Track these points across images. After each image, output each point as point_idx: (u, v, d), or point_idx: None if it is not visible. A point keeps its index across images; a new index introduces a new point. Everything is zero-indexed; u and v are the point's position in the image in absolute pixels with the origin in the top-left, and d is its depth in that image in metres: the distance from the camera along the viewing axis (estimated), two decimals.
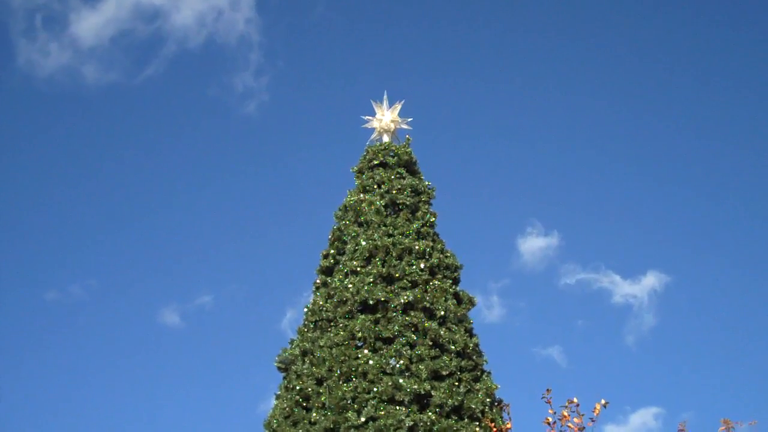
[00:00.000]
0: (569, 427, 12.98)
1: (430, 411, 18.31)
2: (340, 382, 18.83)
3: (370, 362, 18.87)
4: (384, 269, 20.37)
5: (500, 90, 67.06)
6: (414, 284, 20.24)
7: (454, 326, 19.94)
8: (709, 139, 64.10)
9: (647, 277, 59.96)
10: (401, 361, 18.89)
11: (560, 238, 62.00)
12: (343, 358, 19.14)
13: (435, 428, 17.99)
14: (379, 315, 19.79)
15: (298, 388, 19.35)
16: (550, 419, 13.14)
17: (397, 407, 18.22)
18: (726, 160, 63.46)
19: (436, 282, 20.54)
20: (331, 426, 18.28)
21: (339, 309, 20.19)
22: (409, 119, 24.31)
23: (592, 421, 12.87)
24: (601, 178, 64.74)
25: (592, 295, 61.73)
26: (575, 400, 13.04)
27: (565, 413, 12.97)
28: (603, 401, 12.97)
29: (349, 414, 18.24)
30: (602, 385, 56.81)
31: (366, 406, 18.26)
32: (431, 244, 21.26)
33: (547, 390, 13.25)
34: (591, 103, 66.13)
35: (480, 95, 67.00)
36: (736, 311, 60.14)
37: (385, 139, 23.84)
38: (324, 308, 20.50)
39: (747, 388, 55.56)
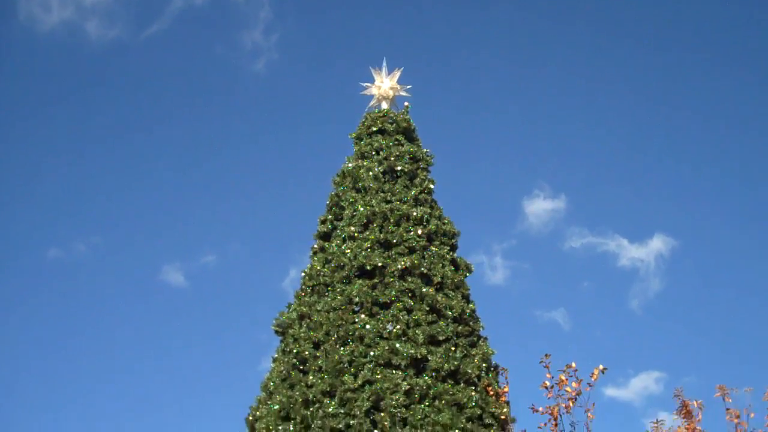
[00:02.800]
0: (567, 391, 13.16)
1: (426, 375, 18.50)
2: (337, 346, 18.99)
3: (367, 327, 19.02)
4: (381, 235, 20.50)
5: (504, 53, 66.84)
6: (411, 250, 20.37)
7: (451, 292, 20.11)
8: (719, 102, 64.01)
9: (654, 240, 60.01)
10: (398, 326, 19.04)
11: (567, 201, 61.99)
12: (340, 322, 19.29)
13: (431, 392, 18.17)
14: (376, 280, 19.93)
15: (295, 351, 19.50)
16: (548, 384, 13.30)
17: (394, 371, 18.39)
18: (736, 123, 63.45)
19: (434, 248, 20.69)
20: (328, 389, 18.45)
21: (336, 274, 20.32)
22: (408, 86, 24.35)
23: (590, 386, 13.05)
24: (609, 140, 64.59)
25: (598, 259, 61.79)
26: (573, 365, 13.21)
27: (563, 378, 13.14)
28: (601, 367, 13.15)
29: (346, 377, 18.41)
30: (605, 348, 57.03)
31: (362, 370, 18.42)
32: (429, 210, 21.39)
33: (546, 355, 13.44)
34: (598, 65, 65.93)
35: (483, 59, 66.79)
36: (742, 278, 60.32)
37: (384, 106, 23.89)
38: (321, 273, 20.62)
39: (750, 355, 55.92)
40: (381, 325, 19.04)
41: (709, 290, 60.58)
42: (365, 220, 20.86)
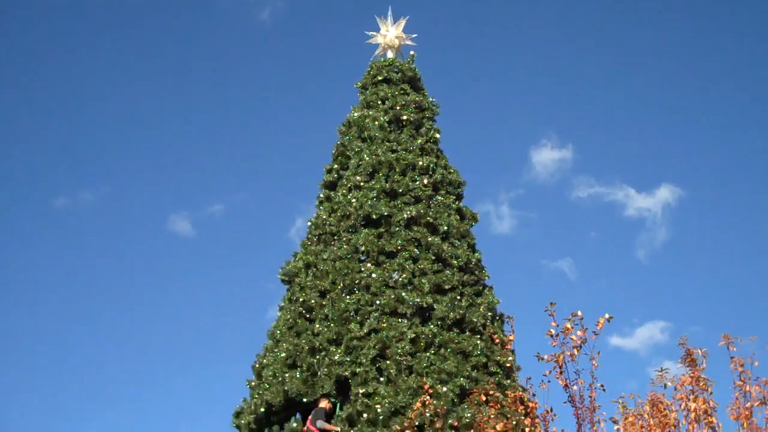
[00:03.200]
0: (572, 339, 13.22)
1: (431, 324, 18.61)
2: (343, 295, 19.09)
3: (373, 275, 19.10)
4: (387, 184, 20.50)
5: (512, 1, 66.25)
6: (417, 199, 20.39)
7: (456, 241, 20.17)
8: (729, 53, 63.46)
9: (661, 190, 59.84)
10: (404, 275, 19.12)
11: (574, 150, 61.73)
12: (346, 271, 19.36)
13: (437, 341, 18.30)
14: (382, 229, 19.97)
15: (301, 300, 19.60)
16: (553, 332, 13.36)
17: (399, 320, 18.51)
18: (745, 74, 62.95)
19: (440, 198, 20.71)
20: (334, 337, 18.59)
21: (342, 223, 20.36)
22: (414, 35, 24.19)
23: (595, 334, 13.11)
24: (617, 89, 64.25)
25: (605, 208, 61.70)
26: (579, 313, 13.25)
27: (568, 326, 13.20)
28: (607, 315, 13.19)
29: (352, 326, 18.53)
30: (611, 298, 57.19)
31: (368, 319, 18.54)
32: (435, 160, 21.37)
33: (551, 303, 13.45)
34: (608, 14, 65.29)
35: (490, 7, 66.21)
36: (749, 228, 60.24)
37: (390, 55, 23.75)
38: (327, 222, 20.67)
39: (756, 305, 56.06)
40: (387, 274, 19.12)
41: (716, 240, 60.56)
42: (371, 170, 20.85)
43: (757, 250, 58.37)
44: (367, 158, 20.96)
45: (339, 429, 17.50)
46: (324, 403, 17.99)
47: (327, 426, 17.50)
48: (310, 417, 17.77)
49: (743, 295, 57.14)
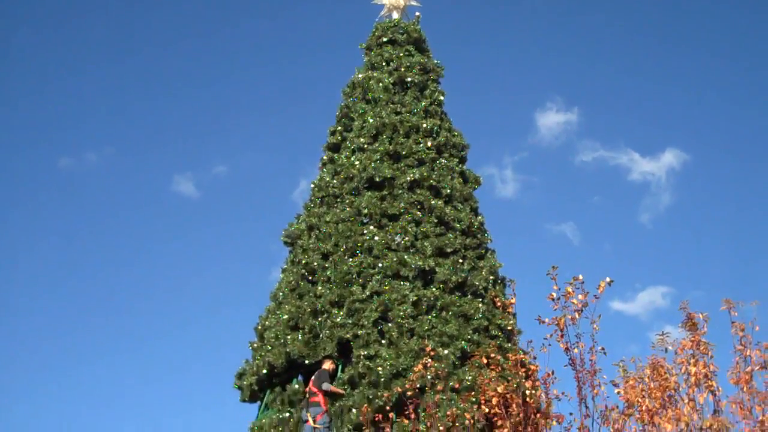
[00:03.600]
0: (573, 303, 13.18)
1: (434, 287, 18.61)
2: (346, 257, 19.08)
3: (376, 238, 19.08)
4: (391, 146, 20.42)
5: None
6: (421, 162, 20.32)
7: (459, 204, 20.11)
8: (736, 17, 62.91)
9: (666, 154, 59.61)
10: (406, 238, 19.09)
11: (579, 114, 61.41)
12: (348, 233, 19.34)
13: (438, 303, 18.30)
14: (385, 192, 19.91)
15: (304, 262, 19.61)
16: (554, 295, 13.32)
17: (402, 282, 18.50)
18: (752, 38, 62.45)
19: (443, 161, 20.63)
20: (336, 299, 18.60)
21: (345, 185, 20.31)
22: None
23: (596, 298, 13.07)
24: (623, 53, 63.79)
25: (610, 172, 61.48)
26: (580, 277, 13.19)
27: (570, 289, 13.16)
28: (608, 279, 13.12)
29: (354, 288, 18.54)
30: (614, 262, 57.18)
31: (371, 281, 18.54)
32: (439, 122, 21.26)
33: (553, 267, 13.38)
34: None
35: None
36: (753, 193, 60.05)
37: (395, 16, 23.56)
38: (330, 184, 20.61)
39: (759, 270, 56.00)
40: (389, 237, 19.09)
41: (720, 205, 60.41)
42: (375, 132, 20.76)
43: (762, 216, 58.24)
44: (371, 120, 20.86)
45: (344, 391, 17.56)
46: (327, 365, 18.03)
47: (333, 388, 17.57)
48: (312, 378, 17.82)
49: (746, 261, 57.09)
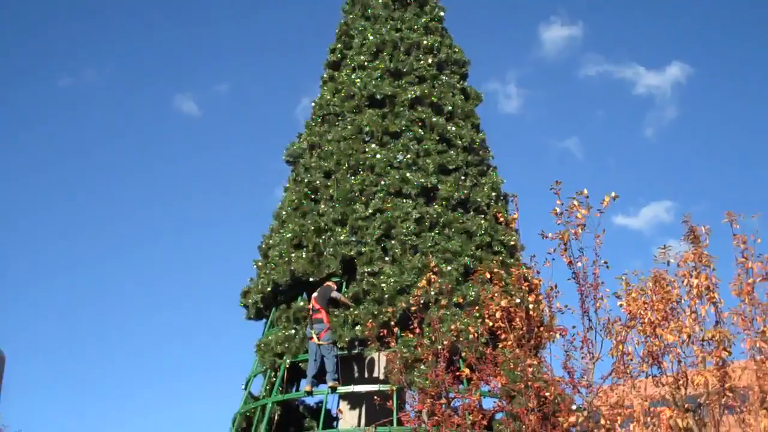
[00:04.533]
0: (576, 218, 13.25)
1: (436, 204, 18.68)
2: (348, 175, 19.11)
3: (378, 156, 19.09)
4: (392, 64, 20.30)
5: None
6: (422, 79, 20.22)
7: (461, 121, 20.07)
8: None
9: (671, 68, 59.22)
10: (408, 155, 19.11)
11: (584, 27, 60.83)
12: (350, 151, 19.34)
13: (441, 221, 18.39)
14: (386, 110, 19.87)
15: (306, 180, 19.64)
16: (558, 210, 13.38)
17: (404, 200, 18.58)
18: None
19: (444, 77, 20.52)
20: (339, 217, 18.69)
21: (346, 103, 20.24)
22: None
23: (600, 212, 13.13)
24: None
25: (614, 86, 61.23)
26: (585, 191, 13.25)
27: (576, 203, 13.21)
28: (613, 194, 13.17)
29: (357, 206, 18.61)
30: (618, 177, 57.32)
31: (373, 199, 18.61)
32: (439, 39, 21.09)
33: (556, 182, 13.41)
34: None
35: None
36: (758, 106, 59.92)
37: None
38: (331, 103, 20.54)
39: (762, 183, 56.23)
40: (391, 155, 19.10)
41: (725, 118, 60.32)
42: (375, 49, 20.62)
43: (766, 128, 58.20)
44: (371, 37, 20.70)
45: (350, 302, 17.77)
46: (330, 283, 18.22)
47: (342, 297, 17.80)
48: (315, 296, 18.00)
49: (751, 174, 57.28)
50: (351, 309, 17.55)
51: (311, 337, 17.73)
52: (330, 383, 17.60)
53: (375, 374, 18.65)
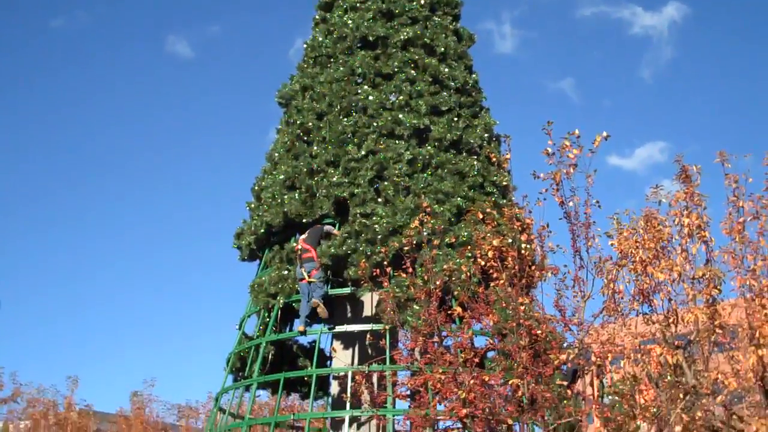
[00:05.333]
0: (568, 157, 13.28)
1: (429, 145, 18.69)
2: (340, 117, 19.09)
3: (370, 97, 19.05)
4: (383, 5, 20.15)
5: None
6: (414, 20, 20.08)
7: (453, 63, 19.98)
8: None
9: (668, 8, 58.83)
10: (401, 97, 19.07)
11: None
12: (342, 93, 19.29)
13: (434, 162, 18.42)
14: (378, 51, 19.78)
15: (298, 122, 19.60)
16: (550, 150, 13.40)
17: (397, 141, 18.58)
18: None
19: (437, 18, 20.38)
20: (332, 159, 18.71)
21: (338, 45, 20.13)
22: None
23: (592, 152, 13.17)
24: None
25: (610, 27, 60.82)
26: (576, 131, 13.26)
27: (567, 143, 13.24)
28: (604, 133, 13.19)
29: (350, 147, 18.62)
30: (613, 118, 57.24)
31: (366, 140, 18.60)
32: None
33: (548, 122, 13.43)
34: None
35: None
36: (755, 47, 59.68)
37: None
38: (323, 44, 20.42)
39: (758, 124, 56.28)
40: (384, 96, 19.06)
41: (722, 59, 60.12)
42: None
43: (762, 69, 58.09)
44: None
45: (340, 232, 17.97)
46: (320, 226, 18.36)
47: (334, 230, 18.00)
48: (304, 237, 18.17)
49: (746, 115, 57.32)
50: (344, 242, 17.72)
51: (302, 279, 17.90)
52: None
53: (368, 314, 18.82)
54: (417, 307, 15.52)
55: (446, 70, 19.63)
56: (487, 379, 13.27)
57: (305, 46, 21.00)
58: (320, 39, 20.59)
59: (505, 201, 18.17)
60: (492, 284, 14.36)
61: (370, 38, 19.79)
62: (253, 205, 20.01)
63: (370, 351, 18.27)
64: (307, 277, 17.84)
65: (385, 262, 16.53)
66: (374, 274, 16.36)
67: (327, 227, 18.14)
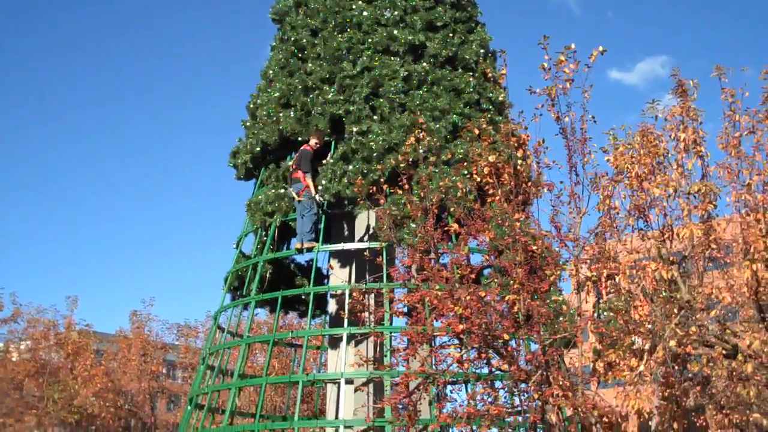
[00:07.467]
0: (564, 72, 13.15)
1: (424, 61, 18.49)
2: (335, 33, 18.84)
3: (365, 13, 18.77)
4: None
5: None
6: None
7: None
8: None
9: None
10: (396, 12, 18.78)
11: None
12: (337, 9, 19.01)
13: (429, 78, 18.24)
14: None
15: (293, 39, 19.36)
16: (546, 65, 13.26)
17: (392, 58, 18.38)
18: None
19: None
20: (327, 76, 18.52)
21: None
22: None
23: (588, 67, 13.03)
24: None
25: None
26: (573, 46, 13.10)
27: (562, 58, 13.09)
28: (601, 48, 13.05)
29: (345, 64, 18.42)
30: (615, 32, 56.47)
31: (361, 57, 18.39)
32: None
33: (544, 37, 13.25)
34: None
35: None
36: None
37: None
38: None
39: (761, 39, 55.65)
40: (378, 12, 18.78)
41: None
42: None
43: None
44: None
45: (313, 190, 17.82)
46: (312, 141, 18.22)
47: (308, 183, 17.90)
48: (293, 162, 18.20)
49: (750, 29, 56.72)
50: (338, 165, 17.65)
51: (293, 198, 18.04)
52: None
53: (365, 232, 18.87)
54: (413, 225, 15.53)
55: None
56: (483, 295, 13.33)
57: None
58: None
59: (501, 117, 18.05)
60: (488, 201, 14.35)
61: None
62: (248, 123, 19.90)
63: (367, 268, 18.36)
64: (296, 196, 17.96)
65: (381, 180, 16.51)
66: (370, 191, 16.34)
67: (304, 166, 17.98)
